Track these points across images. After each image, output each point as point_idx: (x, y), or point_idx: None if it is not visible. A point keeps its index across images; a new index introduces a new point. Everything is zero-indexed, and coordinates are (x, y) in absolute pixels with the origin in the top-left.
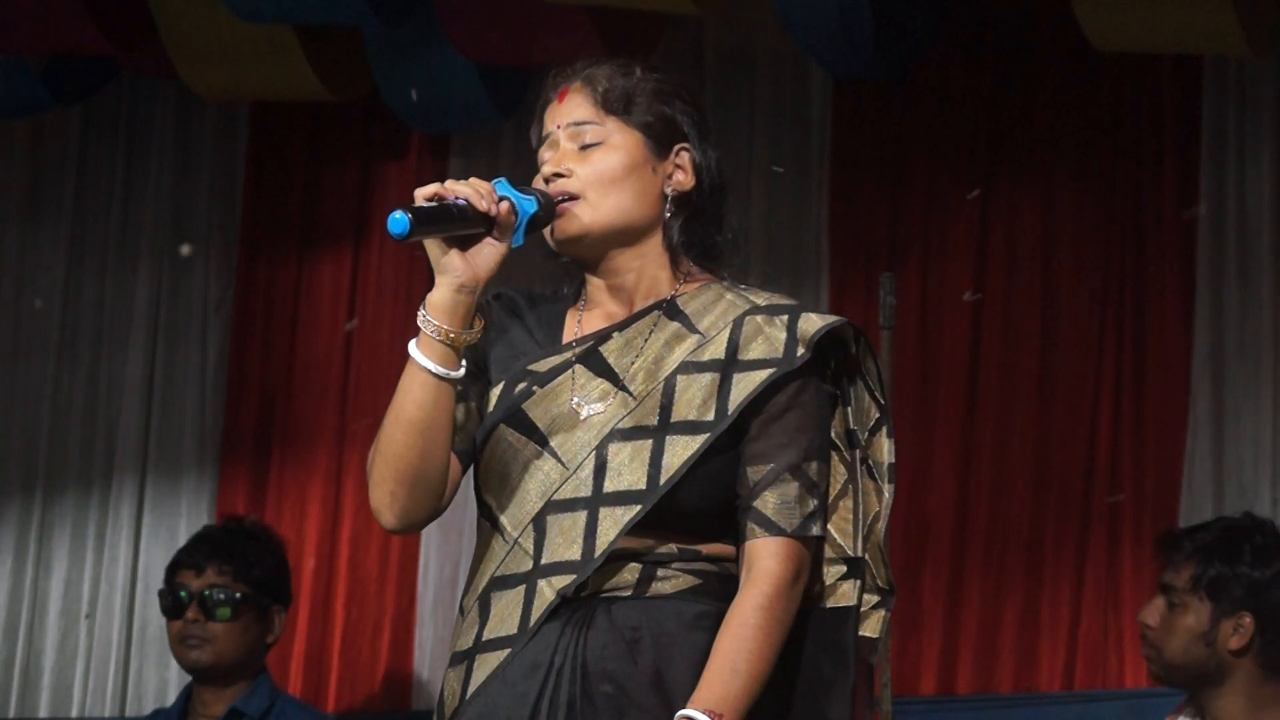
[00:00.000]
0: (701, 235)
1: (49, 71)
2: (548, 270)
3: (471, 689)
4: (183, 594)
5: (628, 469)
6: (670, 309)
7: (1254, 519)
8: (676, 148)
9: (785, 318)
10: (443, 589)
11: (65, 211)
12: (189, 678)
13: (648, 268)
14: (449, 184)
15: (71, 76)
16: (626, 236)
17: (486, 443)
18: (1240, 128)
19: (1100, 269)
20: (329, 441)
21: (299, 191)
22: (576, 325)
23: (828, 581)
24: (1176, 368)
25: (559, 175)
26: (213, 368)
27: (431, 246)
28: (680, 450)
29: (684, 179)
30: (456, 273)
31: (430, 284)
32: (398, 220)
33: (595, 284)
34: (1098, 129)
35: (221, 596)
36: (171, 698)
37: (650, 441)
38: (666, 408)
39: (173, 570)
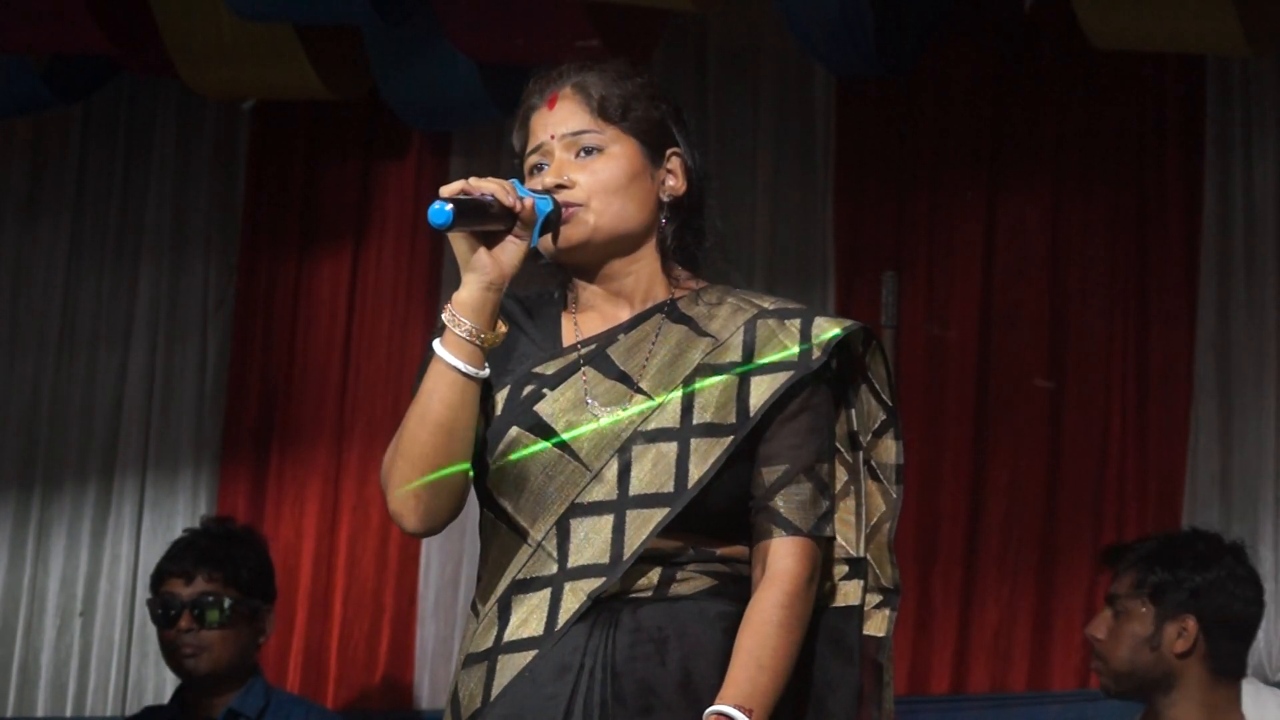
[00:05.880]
0: (693, 238)
1: (50, 70)
2: (530, 271)
3: (496, 690)
4: (173, 603)
5: (652, 472)
6: (672, 312)
7: (1196, 530)
8: (668, 152)
9: (798, 321)
10: (444, 588)
11: (65, 211)
12: None
13: (643, 272)
14: (473, 180)
15: (72, 75)
16: (626, 243)
17: (497, 445)
18: (1246, 126)
19: (1106, 267)
20: (329, 441)
21: (299, 191)
22: (574, 328)
23: (835, 581)
24: (1182, 367)
25: (561, 186)
26: (213, 367)
27: (459, 243)
28: (705, 452)
29: (676, 184)
30: (485, 270)
31: (431, 284)
32: (439, 211)
33: (589, 289)
34: (1102, 128)
35: (213, 604)
36: (170, 696)
37: (675, 444)
38: (688, 410)
39: (159, 579)
